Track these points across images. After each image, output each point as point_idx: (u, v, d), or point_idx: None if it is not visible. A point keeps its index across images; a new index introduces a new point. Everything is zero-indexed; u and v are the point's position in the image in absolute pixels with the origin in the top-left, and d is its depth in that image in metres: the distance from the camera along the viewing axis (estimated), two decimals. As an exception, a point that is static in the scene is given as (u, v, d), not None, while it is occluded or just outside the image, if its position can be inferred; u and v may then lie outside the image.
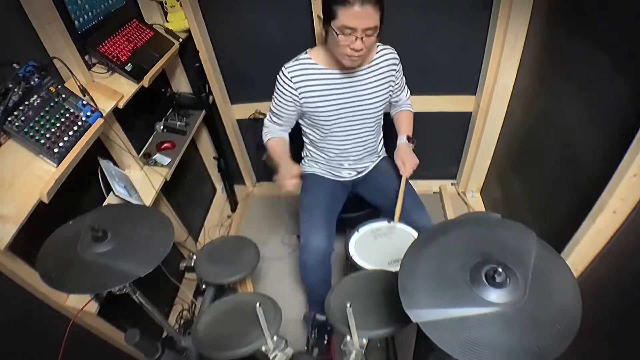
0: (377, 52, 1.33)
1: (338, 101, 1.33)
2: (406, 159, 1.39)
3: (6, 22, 1.06)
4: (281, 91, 1.32)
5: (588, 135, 1.18)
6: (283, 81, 1.30)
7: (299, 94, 1.31)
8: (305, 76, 1.29)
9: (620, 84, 1.02)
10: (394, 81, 1.38)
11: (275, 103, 1.37)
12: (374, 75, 1.33)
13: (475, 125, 1.89)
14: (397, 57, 1.37)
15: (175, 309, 1.85)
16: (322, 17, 1.18)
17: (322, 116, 1.36)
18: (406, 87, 1.51)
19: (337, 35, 1.12)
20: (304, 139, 1.54)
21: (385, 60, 1.34)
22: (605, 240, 1.00)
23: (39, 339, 1.08)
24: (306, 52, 1.32)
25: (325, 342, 1.55)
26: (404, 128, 1.49)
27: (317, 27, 1.63)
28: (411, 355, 1.03)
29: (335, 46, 1.18)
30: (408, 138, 1.45)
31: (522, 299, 0.65)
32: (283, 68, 1.31)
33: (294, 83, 1.29)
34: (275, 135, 1.43)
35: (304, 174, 1.58)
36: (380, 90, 1.35)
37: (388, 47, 1.35)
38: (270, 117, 1.44)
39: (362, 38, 1.11)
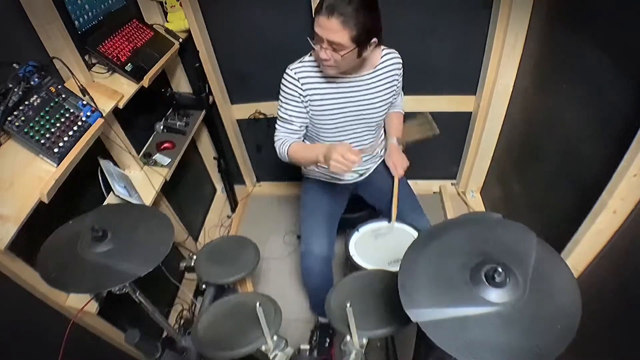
0: (381, 57, 1.30)
1: (342, 104, 1.30)
2: (397, 161, 1.42)
3: (6, 22, 1.06)
4: (288, 92, 1.26)
5: (588, 135, 1.18)
6: (289, 82, 1.25)
7: (306, 95, 1.26)
8: (311, 78, 1.25)
9: (620, 84, 1.01)
10: (397, 85, 1.37)
11: (284, 107, 1.29)
12: (378, 80, 1.31)
13: (475, 125, 1.89)
14: (401, 60, 1.34)
15: (175, 309, 1.85)
16: None
17: (326, 120, 1.32)
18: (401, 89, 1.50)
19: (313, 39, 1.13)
20: None
21: (390, 64, 1.31)
22: (605, 240, 1.00)
23: (39, 339, 1.08)
24: (310, 55, 1.28)
25: (327, 344, 1.56)
26: (394, 130, 1.49)
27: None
28: (411, 355, 1.03)
29: None
30: (397, 140, 1.47)
31: (522, 298, 0.65)
32: (288, 70, 1.26)
33: (302, 84, 1.24)
34: (291, 142, 1.30)
35: (305, 178, 1.58)
36: (384, 94, 1.33)
37: (392, 50, 1.33)
38: (281, 125, 1.32)
39: (326, 50, 1.10)
